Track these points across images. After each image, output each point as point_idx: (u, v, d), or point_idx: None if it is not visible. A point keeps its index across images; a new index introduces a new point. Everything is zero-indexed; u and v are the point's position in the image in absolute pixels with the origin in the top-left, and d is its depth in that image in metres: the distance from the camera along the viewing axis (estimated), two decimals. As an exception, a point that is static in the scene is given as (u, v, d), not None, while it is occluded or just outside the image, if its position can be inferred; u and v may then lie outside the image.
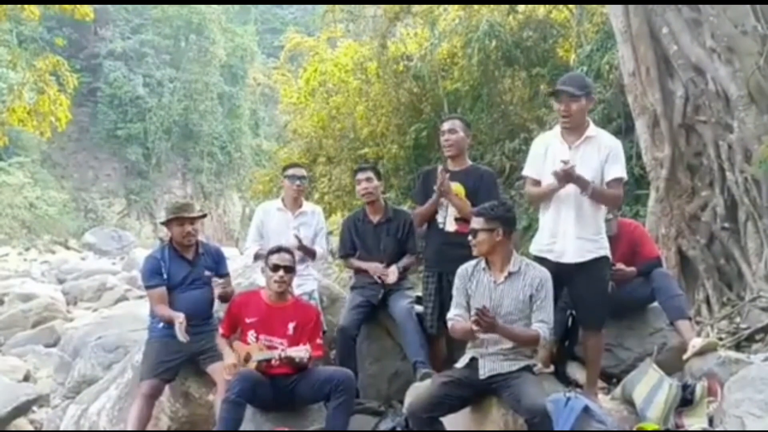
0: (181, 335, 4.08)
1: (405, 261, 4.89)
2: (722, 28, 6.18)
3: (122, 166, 33.05)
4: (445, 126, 4.62)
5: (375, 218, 4.96)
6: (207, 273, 4.48)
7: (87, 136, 32.28)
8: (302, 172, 5.25)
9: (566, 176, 3.64)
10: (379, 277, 4.77)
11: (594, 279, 3.87)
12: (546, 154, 3.92)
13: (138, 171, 33.21)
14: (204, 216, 4.88)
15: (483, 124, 9.56)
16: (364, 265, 4.89)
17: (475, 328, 3.43)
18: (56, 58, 12.19)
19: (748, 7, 6.17)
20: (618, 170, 3.82)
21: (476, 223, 3.65)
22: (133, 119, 32.21)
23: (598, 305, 3.94)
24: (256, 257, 4.95)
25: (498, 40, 9.41)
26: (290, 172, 5.15)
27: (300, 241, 4.76)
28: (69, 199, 30.12)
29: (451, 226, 4.52)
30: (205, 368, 4.41)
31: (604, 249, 3.90)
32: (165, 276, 4.39)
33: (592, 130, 3.88)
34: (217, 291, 4.47)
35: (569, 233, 3.83)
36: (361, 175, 4.97)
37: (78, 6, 11.47)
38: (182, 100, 33.78)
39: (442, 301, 4.40)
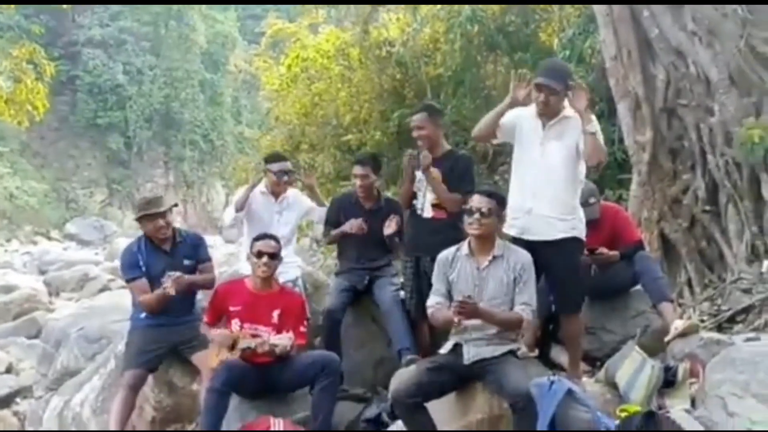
0: (171, 289, 4.09)
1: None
2: (703, 11, 6.19)
3: (103, 155, 32.70)
4: (413, 121, 4.59)
5: (367, 204, 4.94)
6: (186, 262, 4.44)
7: (67, 125, 31.88)
8: (288, 165, 5.17)
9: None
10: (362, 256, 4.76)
11: (565, 260, 3.82)
12: (521, 125, 3.91)
13: (119, 160, 32.89)
14: (175, 206, 4.81)
15: (466, 109, 9.52)
16: (345, 227, 4.82)
17: (456, 318, 3.45)
18: (33, 45, 12.01)
19: (730, -10, 6.18)
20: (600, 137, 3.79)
21: (488, 203, 3.60)
22: (114, 107, 31.86)
23: (572, 288, 3.92)
24: (236, 209, 4.95)
25: (480, 25, 9.36)
26: (276, 167, 5.05)
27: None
28: (50, 189, 29.80)
29: (428, 212, 4.53)
30: (188, 357, 4.40)
31: (576, 230, 3.84)
32: (143, 268, 4.36)
33: (569, 110, 3.82)
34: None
35: (537, 210, 3.81)
36: (358, 170, 4.91)
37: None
38: (163, 87, 33.40)
39: (420, 286, 4.43)
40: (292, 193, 5.21)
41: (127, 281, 4.46)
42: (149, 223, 4.39)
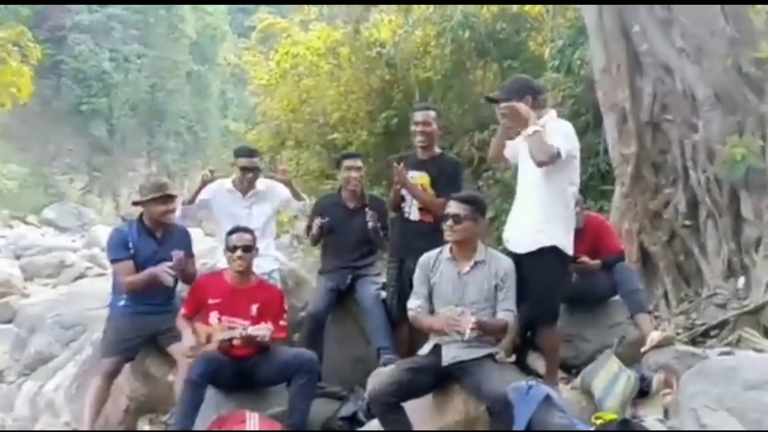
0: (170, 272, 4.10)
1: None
2: (692, 28, 6.27)
3: (85, 142, 32.28)
4: (419, 117, 4.61)
5: (351, 204, 4.94)
6: (173, 253, 4.41)
7: (49, 109, 31.43)
8: (255, 162, 5.06)
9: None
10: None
11: (540, 271, 3.78)
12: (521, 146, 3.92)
13: (101, 147, 32.49)
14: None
15: (453, 114, 9.57)
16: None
17: (447, 330, 3.47)
18: (20, 28, 11.87)
19: (717, 8, 6.27)
20: (554, 141, 3.70)
21: (462, 209, 3.63)
22: (98, 94, 31.44)
23: (547, 298, 3.89)
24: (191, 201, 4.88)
25: (471, 30, 9.41)
26: (243, 162, 4.97)
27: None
28: (29, 174, 29.37)
29: (415, 215, 4.55)
30: (166, 348, 4.36)
31: (554, 239, 3.78)
32: (132, 251, 4.31)
33: (544, 119, 3.80)
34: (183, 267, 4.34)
35: (517, 222, 3.87)
36: (351, 162, 4.91)
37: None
38: (149, 77, 33.10)
39: (402, 287, 4.45)
40: (264, 184, 5.12)
41: (113, 261, 4.39)
42: (160, 206, 4.34)
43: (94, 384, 4.26)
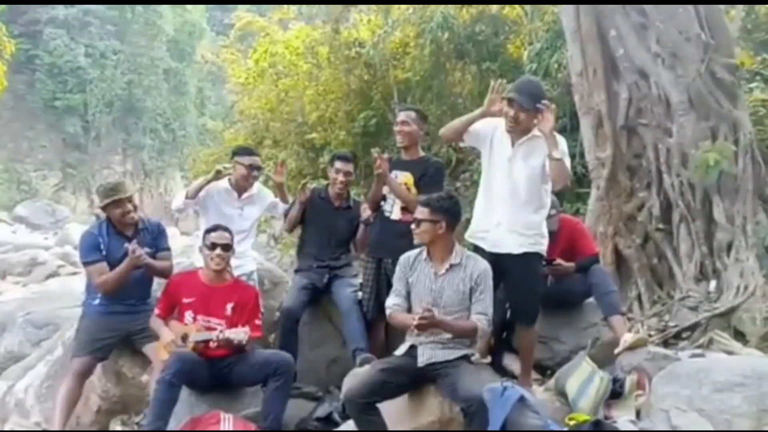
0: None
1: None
2: (667, 33, 6.37)
3: (59, 138, 31.84)
4: (400, 117, 4.65)
5: (336, 202, 4.94)
6: (147, 250, 4.36)
7: (23, 105, 30.94)
8: (258, 161, 5.06)
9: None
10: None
11: (527, 274, 3.89)
12: (493, 136, 3.95)
13: (76, 144, 32.07)
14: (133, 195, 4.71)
15: (432, 115, 9.55)
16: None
17: (416, 331, 3.49)
18: (-6, 21, 11.67)
19: (693, 14, 6.37)
20: (566, 160, 3.83)
21: (420, 213, 3.67)
22: (73, 90, 31.06)
23: (530, 301, 3.99)
24: (186, 197, 4.81)
25: (451, 32, 9.45)
26: (248, 161, 4.92)
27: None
28: (1, 170, 28.93)
29: (396, 215, 4.55)
30: (140, 348, 4.32)
31: (539, 245, 3.92)
32: (104, 252, 4.26)
33: (538, 131, 3.83)
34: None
35: (503, 224, 3.88)
36: (341, 165, 4.89)
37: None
38: (126, 73, 32.75)
39: (379, 287, 4.47)
40: (257, 187, 5.13)
41: (86, 264, 4.33)
42: (116, 209, 4.30)
43: (65, 384, 4.20)
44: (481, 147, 4.03)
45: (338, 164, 4.91)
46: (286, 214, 5.05)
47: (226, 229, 4.25)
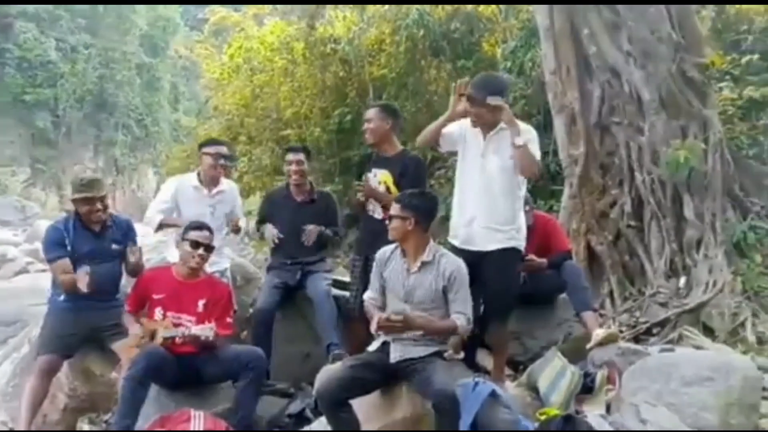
0: (83, 284, 3.94)
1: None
2: (639, 32, 6.43)
3: (28, 134, 31.24)
4: (365, 115, 4.65)
5: (299, 198, 4.92)
6: (114, 246, 4.30)
7: (-9, 99, 30.39)
8: (224, 150, 5.00)
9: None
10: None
11: (501, 270, 3.88)
12: (465, 135, 3.97)
13: (46, 139, 31.49)
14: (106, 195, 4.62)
15: (407, 112, 9.58)
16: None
17: (376, 332, 3.53)
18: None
19: (664, 13, 6.44)
20: (534, 150, 3.86)
21: (393, 209, 3.68)
22: (43, 84, 30.48)
23: (504, 297, 3.98)
24: (161, 227, 4.78)
25: (426, 29, 9.46)
26: (212, 149, 4.89)
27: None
28: (-31, 166, 28.37)
29: (379, 214, 4.53)
30: (109, 345, 4.25)
31: (514, 240, 3.91)
32: (68, 248, 4.17)
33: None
34: (131, 259, 4.25)
35: (476, 221, 3.89)
36: (291, 156, 4.93)
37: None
38: (98, 68, 32.23)
39: (366, 286, 4.41)
40: (227, 185, 5.09)
41: (50, 260, 4.25)
42: (85, 206, 4.21)
43: (30, 382, 4.12)
44: (458, 148, 4.05)
45: (289, 156, 4.96)
46: (257, 224, 5.09)
47: (208, 229, 4.21)
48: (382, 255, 3.77)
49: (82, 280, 3.96)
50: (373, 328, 3.54)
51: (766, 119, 7.48)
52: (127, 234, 4.42)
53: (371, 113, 4.59)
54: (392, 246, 3.77)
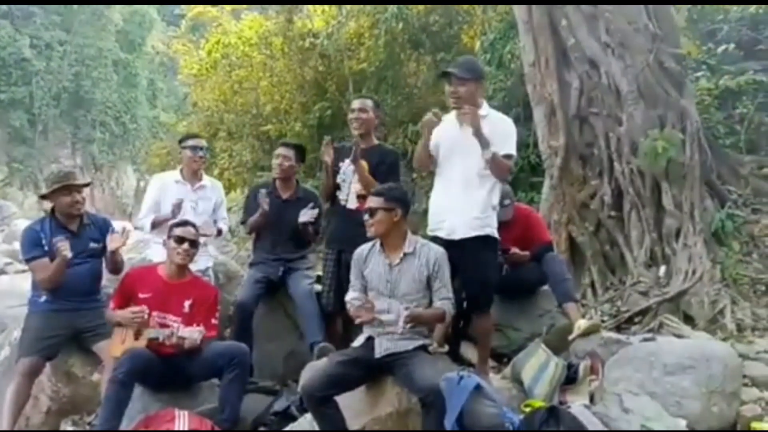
0: (66, 251, 3.96)
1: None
2: (616, 24, 6.47)
3: (4, 132, 30.75)
4: (356, 105, 4.63)
5: (284, 194, 4.91)
6: (93, 245, 4.26)
7: (-36, 98, 29.88)
8: (203, 143, 5.15)
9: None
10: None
11: (479, 259, 3.90)
12: (441, 137, 4.00)
13: (22, 138, 31.02)
14: (88, 184, 4.61)
15: (387, 106, 9.57)
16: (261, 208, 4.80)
17: (354, 316, 3.54)
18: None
19: (641, 5, 6.47)
20: (508, 147, 3.89)
21: (375, 202, 3.66)
22: (18, 82, 30.00)
23: (484, 286, 3.99)
24: (153, 226, 4.79)
25: (405, 23, 9.44)
26: (191, 142, 5.02)
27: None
28: (-57, 166, 27.91)
29: (353, 204, 4.52)
30: (90, 346, 4.21)
31: (490, 228, 3.92)
32: (46, 248, 4.13)
33: (485, 109, 3.94)
34: (112, 245, 4.20)
35: (456, 210, 3.90)
36: (280, 151, 4.95)
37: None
38: (73, 65, 31.77)
39: (340, 279, 4.40)
40: (210, 182, 5.11)
41: (28, 261, 4.21)
42: (66, 197, 4.18)
43: (12, 385, 4.07)
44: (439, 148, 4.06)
45: (279, 150, 4.99)
46: (243, 222, 5.05)
47: (193, 225, 4.21)
48: (360, 254, 3.77)
49: (64, 247, 3.95)
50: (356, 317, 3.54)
51: (742, 108, 7.58)
52: (104, 232, 4.36)
53: (367, 104, 4.60)
54: (369, 244, 3.77)
